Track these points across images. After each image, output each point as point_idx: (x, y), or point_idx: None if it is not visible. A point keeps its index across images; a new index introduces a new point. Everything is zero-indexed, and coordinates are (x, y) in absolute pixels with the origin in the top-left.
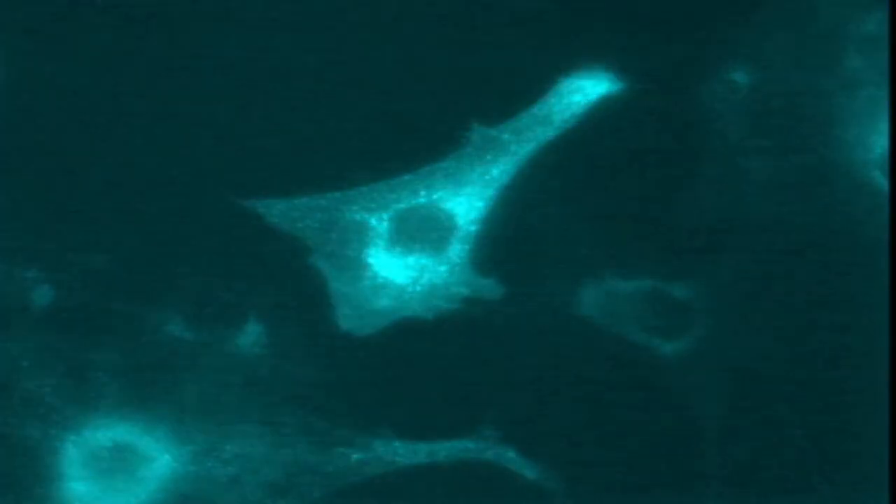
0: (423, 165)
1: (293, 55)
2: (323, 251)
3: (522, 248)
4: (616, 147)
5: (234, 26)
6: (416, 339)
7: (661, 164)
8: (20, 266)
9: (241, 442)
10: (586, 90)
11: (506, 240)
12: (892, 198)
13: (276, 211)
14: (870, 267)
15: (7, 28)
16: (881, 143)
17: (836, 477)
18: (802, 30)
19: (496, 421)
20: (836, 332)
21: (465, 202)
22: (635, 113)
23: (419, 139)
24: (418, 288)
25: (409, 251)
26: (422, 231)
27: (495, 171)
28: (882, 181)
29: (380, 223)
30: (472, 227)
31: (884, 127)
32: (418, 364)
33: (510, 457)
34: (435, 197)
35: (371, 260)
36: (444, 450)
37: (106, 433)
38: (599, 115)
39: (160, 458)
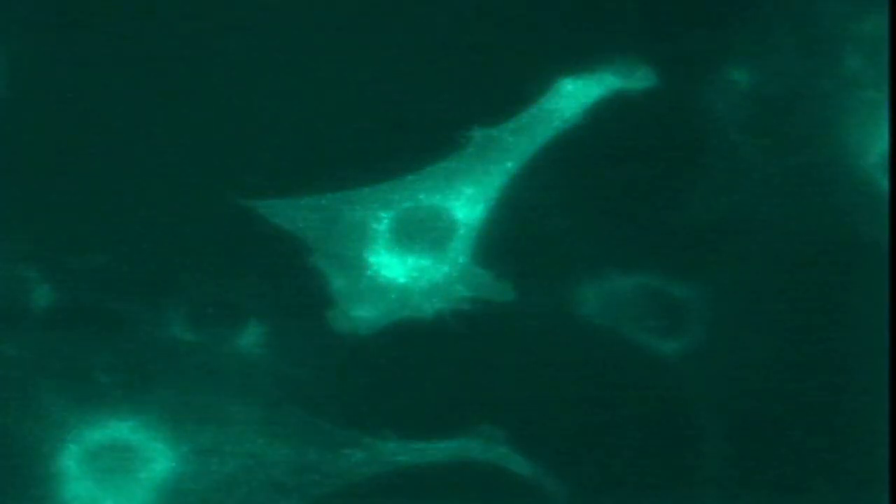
0: (423, 165)
1: (293, 55)
2: (323, 251)
3: (522, 248)
4: (616, 147)
5: (234, 27)
6: (416, 339)
7: (661, 164)
8: (20, 266)
9: (241, 442)
10: (586, 90)
11: (506, 240)
12: (892, 198)
13: (277, 211)
14: (870, 267)
15: (8, 29)
16: (881, 143)
17: (836, 477)
18: (802, 30)
19: (496, 421)
20: (836, 333)
21: (465, 202)
22: (635, 113)
23: (419, 139)
24: (418, 288)
25: (409, 251)
26: (422, 231)
27: (495, 171)
28: (882, 182)
29: (380, 223)
30: (472, 227)
31: (884, 127)
32: (418, 364)
33: (510, 457)
34: (435, 197)
35: (371, 260)
36: (444, 450)
37: (106, 433)
38: (599, 115)
39: (160, 458)
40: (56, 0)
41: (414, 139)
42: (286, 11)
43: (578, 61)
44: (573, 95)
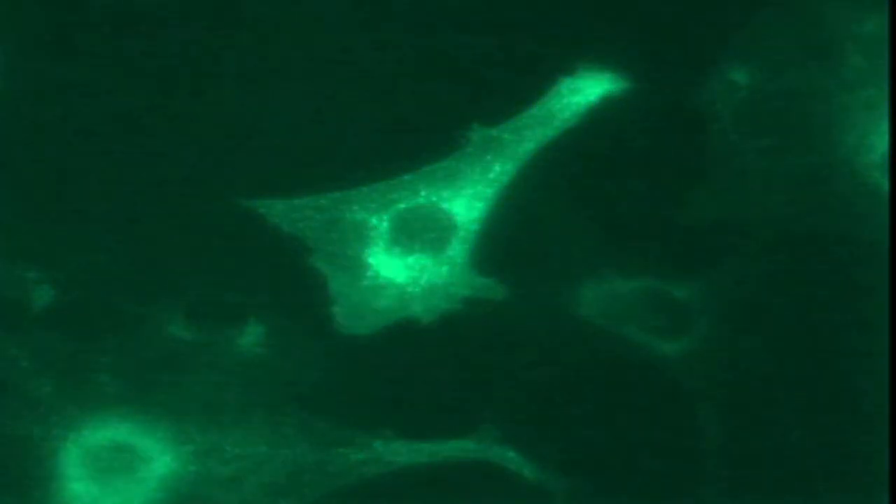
0: (423, 165)
1: (293, 55)
2: (323, 251)
3: (522, 248)
4: (616, 147)
5: (233, 26)
6: (416, 338)
7: (661, 164)
8: (20, 266)
9: (241, 442)
10: (586, 90)
11: (506, 240)
12: (892, 198)
13: (277, 211)
14: (870, 267)
15: (7, 29)
16: (881, 143)
17: (837, 477)
18: (802, 30)
19: (496, 421)
20: (836, 332)
21: (465, 202)
22: (635, 113)
23: (419, 139)
24: (418, 288)
25: (409, 251)
26: (422, 231)
27: (495, 171)
28: (882, 181)
29: (380, 223)
30: (472, 227)
31: (884, 127)
32: (418, 364)
33: (510, 457)
34: (435, 197)
35: (371, 260)
36: (444, 450)
37: (106, 433)
38: (599, 115)
39: (160, 458)
40: (56, 0)
41: (414, 139)
42: (286, 11)
43: (578, 62)
44: (573, 95)
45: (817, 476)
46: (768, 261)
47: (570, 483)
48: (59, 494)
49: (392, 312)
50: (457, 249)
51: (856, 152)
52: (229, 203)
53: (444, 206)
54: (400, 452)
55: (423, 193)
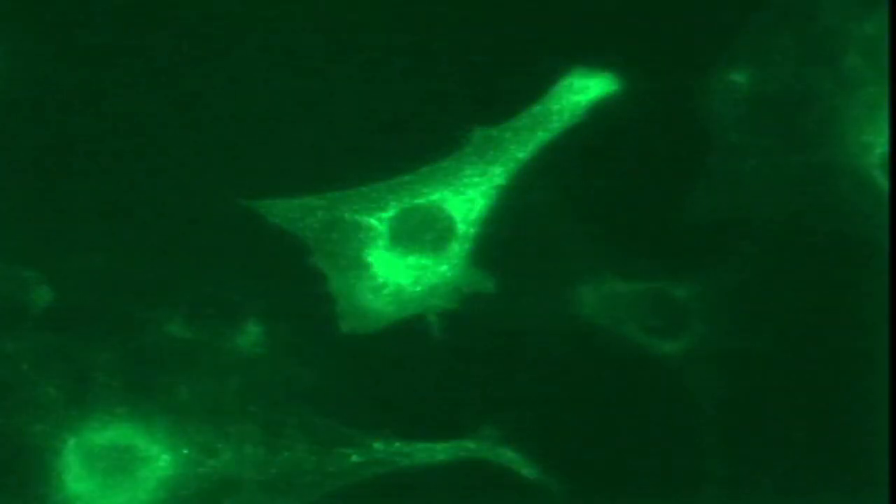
0: (423, 165)
1: (293, 55)
2: (323, 251)
3: (522, 248)
4: (616, 147)
5: (234, 26)
6: (416, 338)
7: (661, 164)
8: (20, 266)
9: (241, 442)
10: (586, 90)
11: (506, 240)
12: (892, 198)
13: (276, 211)
14: (870, 267)
15: (8, 28)
16: (881, 142)
17: (837, 477)
18: (802, 30)
19: (496, 421)
20: (836, 332)
21: (465, 202)
22: (635, 113)
23: (419, 139)
24: (418, 288)
25: (409, 251)
26: (422, 231)
27: (495, 171)
28: (882, 181)
29: (380, 223)
30: (472, 227)
31: (884, 127)
32: (418, 364)
33: (510, 457)
34: (435, 197)
35: (371, 260)
36: (444, 450)
37: (106, 433)
38: (599, 115)
39: (160, 458)
40: (56, 0)
41: (414, 139)
42: (286, 11)
43: (578, 61)
44: (573, 96)
45: (817, 476)
46: (768, 261)
47: (570, 483)
48: (59, 494)
49: (392, 312)
50: (457, 249)
51: (856, 152)
52: (229, 203)
53: (444, 206)
54: (400, 452)
55: (423, 193)
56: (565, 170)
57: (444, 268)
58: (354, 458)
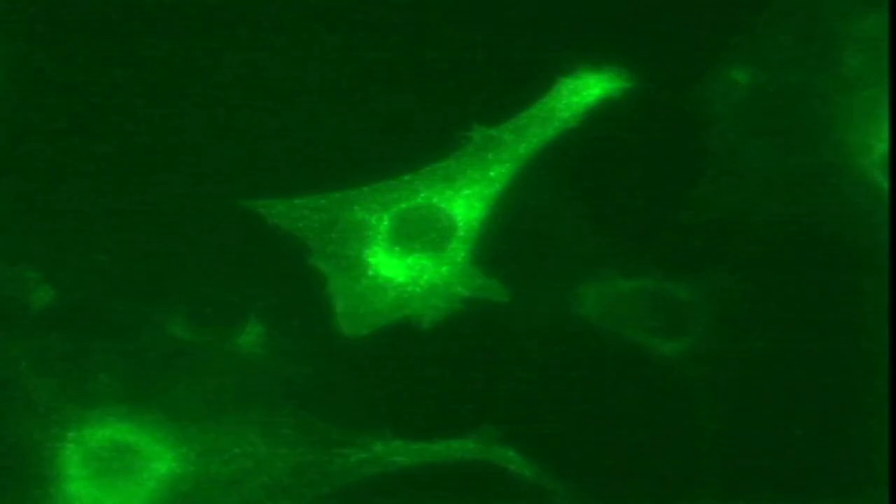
0: (423, 165)
1: (293, 55)
2: (323, 251)
3: (522, 248)
4: (616, 147)
5: (234, 27)
6: (415, 338)
7: (661, 164)
8: (20, 266)
9: (241, 442)
10: (586, 90)
11: (506, 240)
12: (892, 198)
13: (276, 211)
14: (870, 267)
15: (7, 29)
16: (881, 143)
17: (836, 477)
18: (802, 30)
19: (496, 421)
20: (836, 332)
21: (465, 202)
22: (636, 113)
23: (419, 139)
24: (418, 288)
25: (409, 251)
26: (422, 231)
27: (495, 171)
28: (882, 181)
29: (380, 223)
30: (472, 227)
31: (884, 127)
32: (418, 364)
33: (510, 457)
34: (435, 197)
35: (371, 260)
36: (444, 450)
37: (106, 433)
38: (599, 115)
39: (160, 458)
40: (56, 0)
41: (414, 139)
42: (286, 11)
43: (578, 62)
44: (573, 95)
45: (817, 476)
46: (768, 261)
47: (570, 483)
48: (59, 494)
49: (392, 312)
50: (457, 249)
51: (856, 152)
52: (229, 203)
53: (444, 206)
54: (400, 452)
55: (423, 193)
56: (565, 170)
57: (444, 268)
58: (354, 458)
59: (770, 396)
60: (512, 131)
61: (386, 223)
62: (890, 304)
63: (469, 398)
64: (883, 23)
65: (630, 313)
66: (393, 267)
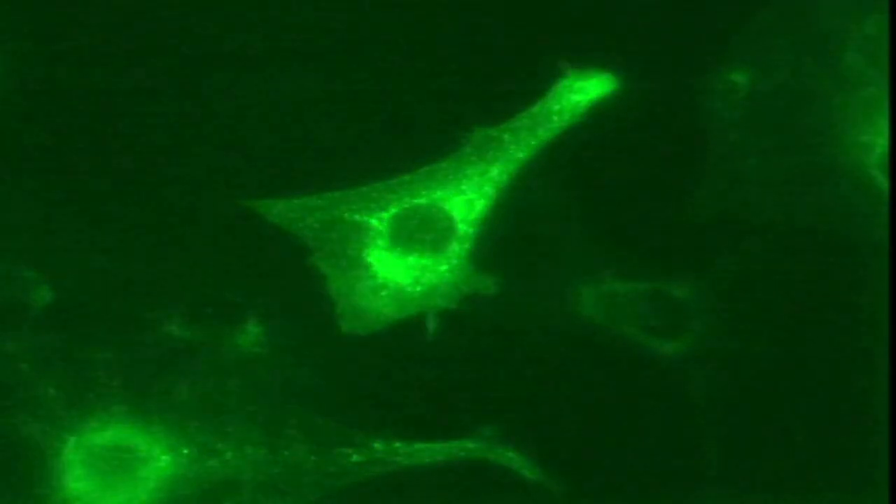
0: (423, 165)
1: (294, 56)
2: (323, 251)
3: (522, 248)
4: (616, 147)
5: (234, 27)
6: (416, 338)
7: (661, 164)
8: (20, 266)
9: (241, 442)
10: (586, 90)
11: (505, 240)
12: (892, 198)
13: (276, 211)
14: (870, 267)
15: (7, 30)
16: (881, 143)
17: (837, 477)
18: (802, 30)
19: (496, 421)
20: (836, 332)
21: (465, 202)
22: (635, 113)
23: (419, 139)
24: (418, 288)
25: (409, 251)
26: (422, 231)
27: (495, 171)
28: (882, 181)
29: (380, 223)
30: (472, 227)
31: (884, 127)
32: (418, 364)
33: (510, 457)
34: (435, 197)
35: (371, 260)
36: (444, 450)
37: (106, 433)
38: (599, 115)
39: (160, 458)
40: (56, 1)
41: (414, 139)
42: (286, 11)
43: (578, 61)
44: (573, 95)
45: (817, 476)
46: (768, 260)
47: (570, 483)
48: (59, 494)
49: (392, 312)
50: (457, 249)
51: (856, 152)
52: (230, 203)
53: (444, 206)
54: (400, 452)
55: (423, 193)
56: (565, 170)
57: (444, 268)
58: (354, 458)
59: (770, 396)
60: (512, 131)
61: (386, 223)
62: (890, 304)
63: (469, 398)
64: (883, 23)
65: (630, 313)
66: (393, 267)
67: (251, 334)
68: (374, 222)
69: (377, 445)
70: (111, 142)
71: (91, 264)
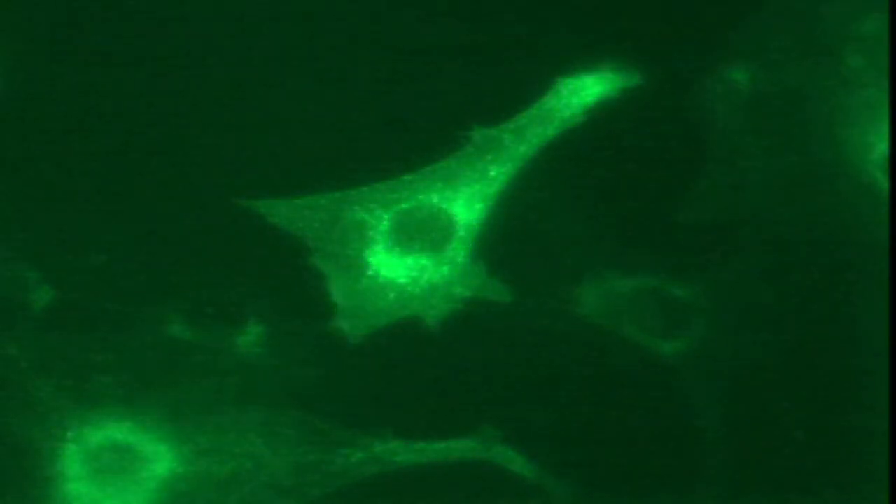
0: (423, 165)
1: (294, 55)
2: (323, 251)
3: (522, 248)
4: (615, 147)
5: (234, 27)
6: (416, 339)
7: (661, 164)
8: (20, 266)
9: (241, 442)
10: (586, 90)
11: (505, 240)
12: (892, 198)
13: (277, 211)
14: (870, 267)
15: (7, 30)
16: (881, 142)
17: (837, 477)
18: (802, 30)
19: (496, 421)
20: (835, 332)
21: (465, 202)
22: (635, 113)
23: (419, 139)
24: (418, 288)
25: (409, 251)
26: (422, 231)
27: (495, 171)
28: (882, 181)
29: (380, 223)
30: (472, 227)
31: (884, 127)
32: (418, 364)
33: (510, 457)
34: (435, 197)
35: (371, 260)
36: (444, 450)
37: (106, 433)
38: (599, 115)
39: (160, 458)
40: (56, 1)
41: (414, 139)
42: (285, 11)
43: (578, 61)
44: (573, 95)
45: (817, 476)
46: (768, 261)
47: (570, 483)
48: (59, 494)
49: (392, 312)
50: (457, 249)
51: (856, 152)
52: (230, 203)
53: (444, 206)
54: (400, 452)
55: (423, 193)
56: (565, 170)
57: (444, 268)
58: (354, 458)
59: (770, 396)
60: (512, 131)
61: (386, 223)
62: (890, 304)
63: (469, 398)
64: (883, 23)
65: (630, 313)
66: (393, 267)
67: (251, 334)
68: (374, 222)
69: (377, 445)
70: (111, 142)
71: (91, 264)
